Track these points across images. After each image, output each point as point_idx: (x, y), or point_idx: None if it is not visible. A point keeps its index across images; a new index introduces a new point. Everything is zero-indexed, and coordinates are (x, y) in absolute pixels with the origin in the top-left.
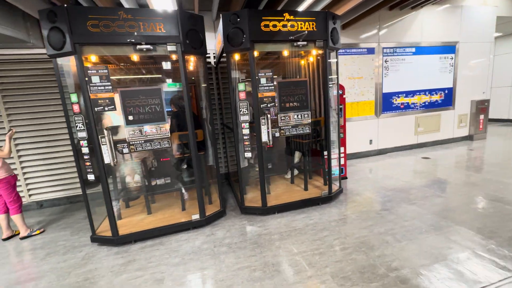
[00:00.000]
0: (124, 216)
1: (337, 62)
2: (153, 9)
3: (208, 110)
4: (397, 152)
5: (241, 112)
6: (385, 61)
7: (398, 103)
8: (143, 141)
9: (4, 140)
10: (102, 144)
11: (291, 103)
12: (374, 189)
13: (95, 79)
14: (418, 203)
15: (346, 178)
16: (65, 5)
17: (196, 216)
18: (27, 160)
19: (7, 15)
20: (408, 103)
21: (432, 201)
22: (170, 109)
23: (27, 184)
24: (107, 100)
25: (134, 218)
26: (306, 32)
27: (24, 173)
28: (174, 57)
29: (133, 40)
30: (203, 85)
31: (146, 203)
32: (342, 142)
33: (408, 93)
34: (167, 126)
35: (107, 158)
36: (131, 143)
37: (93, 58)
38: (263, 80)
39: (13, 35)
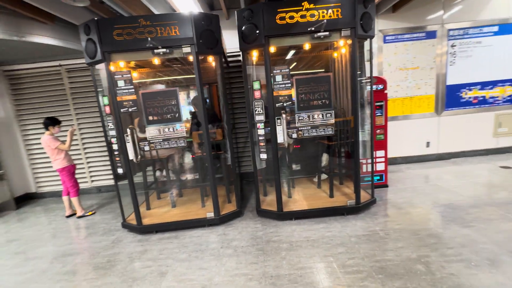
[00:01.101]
0: (153, 207)
1: (370, 52)
2: (169, 14)
3: (224, 110)
4: (466, 158)
5: (256, 112)
6: (452, 46)
7: (470, 97)
8: (161, 140)
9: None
10: (127, 142)
11: (311, 102)
12: (420, 202)
13: (121, 83)
14: (475, 227)
15: (387, 186)
16: (95, 18)
17: (210, 215)
18: (90, 152)
19: (70, 32)
20: (484, 97)
21: (497, 226)
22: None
23: (90, 172)
24: (131, 102)
25: (161, 210)
26: (325, 21)
27: (88, 162)
28: (191, 58)
29: (151, 45)
30: (220, 84)
31: (170, 197)
32: (381, 145)
33: (486, 85)
34: (183, 125)
35: (131, 155)
36: (151, 141)
37: (122, 64)
38: (278, 78)
39: (76, 48)
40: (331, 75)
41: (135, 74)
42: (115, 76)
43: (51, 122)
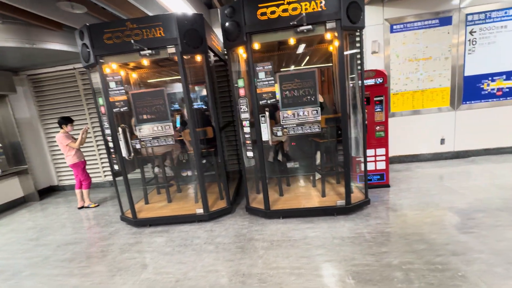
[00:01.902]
0: (153, 201)
1: (361, 45)
2: (154, 15)
3: (213, 108)
4: (489, 157)
5: (241, 110)
6: (471, 33)
7: (492, 89)
8: (151, 138)
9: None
10: (119, 140)
11: (295, 99)
12: (420, 204)
13: (112, 85)
14: (475, 233)
15: (388, 186)
16: (87, 24)
17: (200, 211)
18: (102, 148)
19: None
20: (511, 88)
21: (501, 233)
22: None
23: (103, 167)
24: (122, 102)
25: (158, 205)
26: (304, 15)
27: (101, 158)
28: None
29: (137, 47)
30: (207, 83)
31: (166, 192)
32: (382, 143)
33: None
34: (171, 124)
35: (123, 152)
36: (142, 139)
37: (114, 66)
38: (261, 75)
39: None
40: (316, 70)
41: (134, 75)
42: (107, 78)
43: (65, 121)
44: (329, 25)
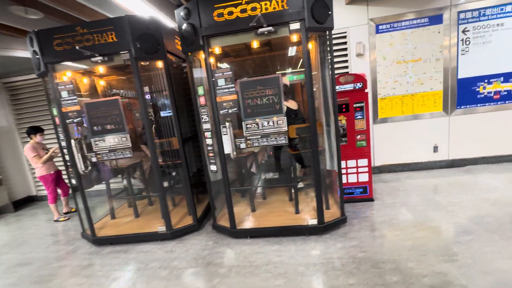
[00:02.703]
0: (121, 215)
1: (330, 47)
2: (104, 19)
3: (175, 117)
4: (487, 166)
5: (202, 120)
6: (464, 32)
7: (489, 92)
8: (108, 151)
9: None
10: (76, 153)
11: (259, 107)
12: (402, 223)
13: (64, 94)
14: (459, 262)
15: (372, 200)
16: (35, 30)
17: (162, 228)
18: None
19: None
20: (510, 91)
21: (489, 263)
22: None
23: None
24: (75, 113)
25: (123, 220)
26: (260, 15)
27: None
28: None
29: (88, 54)
30: (168, 91)
31: (133, 208)
32: (364, 153)
33: (511, 76)
34: (128, 136)
35: (80, 165)
36: (97, 152)
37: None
38: (221, 82)
39: None
40: (280, 76)
41: (102, 82)
42: (59, 87)
43: (33, 131)
44: (293, 26)
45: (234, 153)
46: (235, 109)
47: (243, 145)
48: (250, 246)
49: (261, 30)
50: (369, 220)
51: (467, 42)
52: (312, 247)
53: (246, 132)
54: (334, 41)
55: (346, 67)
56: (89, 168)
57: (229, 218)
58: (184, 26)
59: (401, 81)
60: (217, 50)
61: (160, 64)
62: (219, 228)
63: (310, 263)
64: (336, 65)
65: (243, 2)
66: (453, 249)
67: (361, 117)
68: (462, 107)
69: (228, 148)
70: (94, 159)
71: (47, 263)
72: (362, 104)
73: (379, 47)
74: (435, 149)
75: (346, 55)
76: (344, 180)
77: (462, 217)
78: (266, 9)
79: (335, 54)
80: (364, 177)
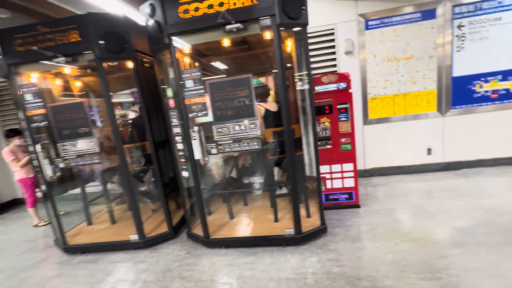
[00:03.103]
0: (98, 221)
1: (305, 45)
2: (67, 17)
3: (146, 120)
4: (484, 169)
5: (172, 123)
6: (459, 27)
7: (486, 91)
8: (75, 156)
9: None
10: (44, 158)
11: (229, 110)
12: (386, 233)
13: (28, 97)
14: (442, 280)
15: (358, 206)
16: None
17: (134, 237)
18: None
19: None
20: (508, 89)
21: (473, 283)
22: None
23: None
24: (41, 116)
25: (99, 227)
26: (224, 11)
27: None
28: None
29: (51, 54)
30: (138, 93)
31: (109, 214)
32: (349, 157)
33: (509, 74)
34: (95, 141)
35: (48, 171)
36: (65, 158)
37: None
38: (189, 83)
39: None
40: (250, 76)
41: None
42: (22, 90)
43: (12, 133)
44: (263, 22)
45: (207, 158)
46: (204, 112)
47: (214, 151)
48: (223, 258)
49: (229, 27)
50: (351, 229)
51: (463, 38)
52: (287, 259)
53: (217, 137)
54: (321, 39)
55: (334, 65)
56: (58, 174)
57: (202, 227)
58: (150, 23)
59: (393, 80)
60: (186, 49)
61: (129, 64)
62: (193, 237)
63: (282, 278)
64: (323, 64)
65: None
66: (437, 264)
67: (345, 119)
68: (458, 107)
69: (198, 154)
70: (61, 165)
71: (15, 273)
72: (347, 105)
73: (369, 44)
74: (429, 151)
75: (334, 53)
76: (329, 186)
77: (451, 226)
78: (235, 4)
79: (322, 52)
80: (349, 183)
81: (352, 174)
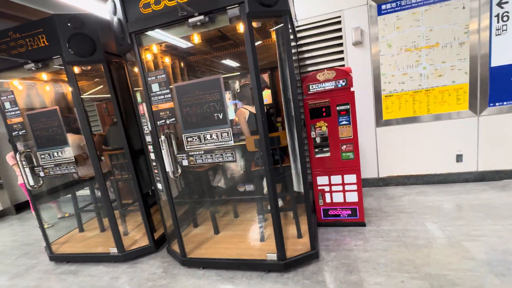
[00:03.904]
0: (88, 229)
1: (286, 37)
2: (34, 21)
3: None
4: None
5: (145, 131)
6: (499, 4)
7: None
8: (53, 165)
9: None
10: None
11: (199, 117)
12: (391, 264)
13: (7, 105)
14: None
15: (363, 225)
16: None
17: (114, 250)
18: None
19: None
20: None
21: None
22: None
23: None
24: (19, 125)
25: (89, 234)
26: (179, 2)
27: None
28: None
29: (21, 61)
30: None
31: (98, 221)
32: (352, 167)
33: None
34: (70, 150)
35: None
36: (44, 166)
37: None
38: (155, 87)
39: None
40: (220, 77)
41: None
42: (1, 98)
43: None
44: (231, 12)
45: (179, 171)
46: (173, 119)
47: (185, 162)
48: (199, 280)
49: (192, 20)
50: (350, 256)
51: (505, 18)
52: None
53: (188, 147)
54: (326, 29)
55: (342, 59)
56: (40, 183)
57: (178, 245)
58: (114, 22)
59: (413, 74)
60: (154, 48)
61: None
62: (172, 253)
63: None
64: (328, 58)
65: None
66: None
67: (346, 122)
68: (497, 104)
69: (168, 166)
70: (42, 174)
71: (4, 280)
72: (347, 107)
73: (382, 32)
74: (459, 158)
75: (340, 44)
76: (328, 199)
77: (481, 261)
78: None
79: (326, 44)
80: (352, 197)
81: (355, 187)
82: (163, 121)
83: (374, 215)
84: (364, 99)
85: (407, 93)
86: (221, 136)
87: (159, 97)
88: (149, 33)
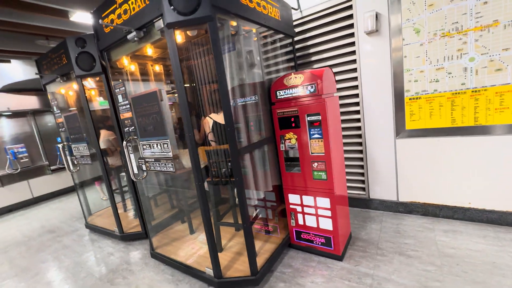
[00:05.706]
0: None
1: (216, 42)
2: (61, 43)
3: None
4: None
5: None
6: None
7: None
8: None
9: None
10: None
11: (147, 127)
12: None
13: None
14: None
15: (340, 259)
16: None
17: (115, 229)
18: None
19: None
20: None
21: None
22: None
23: None
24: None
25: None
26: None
27: None
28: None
29: (56, 76)
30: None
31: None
32: (324, 189)
33: None
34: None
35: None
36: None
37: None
38: (120, 98)
39: None
40: (157, 90)
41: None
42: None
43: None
44: (157, 25)
45: (144, 174)
46: (133, 127)
47: (144, 168)
48: (155, 276)
49: (129, 36)
50: None
51: None
52: None
53: (144, 154)
54: (334, 17)
55: (353, 52)
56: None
57: (149, 240)
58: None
59: (452, 68)
60: (126, 62)
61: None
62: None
63: None
64: (336, 52)
65: (117, 5)
66: None
67: (318, 136)
68: None
69: (131, 169)
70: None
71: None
72: (318, 117)
73: (407, 13)
74: None
75: (351, 34)
76: (300, 221)
77: None
78: (134, 9)
79: (335, 35)
80: (326, 224)
81: (329, 213)
82: (127, 128)
83: (363, 249)
84: (379, 102)
85: (442, 94)
86: (163, 146)
87: (123, 107)
88: (114, 50)
